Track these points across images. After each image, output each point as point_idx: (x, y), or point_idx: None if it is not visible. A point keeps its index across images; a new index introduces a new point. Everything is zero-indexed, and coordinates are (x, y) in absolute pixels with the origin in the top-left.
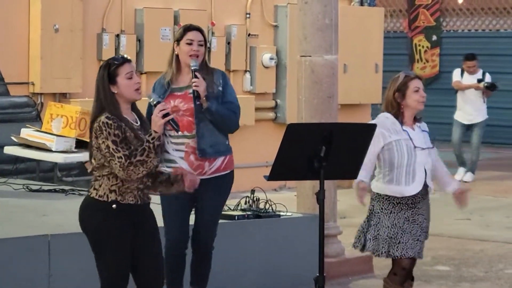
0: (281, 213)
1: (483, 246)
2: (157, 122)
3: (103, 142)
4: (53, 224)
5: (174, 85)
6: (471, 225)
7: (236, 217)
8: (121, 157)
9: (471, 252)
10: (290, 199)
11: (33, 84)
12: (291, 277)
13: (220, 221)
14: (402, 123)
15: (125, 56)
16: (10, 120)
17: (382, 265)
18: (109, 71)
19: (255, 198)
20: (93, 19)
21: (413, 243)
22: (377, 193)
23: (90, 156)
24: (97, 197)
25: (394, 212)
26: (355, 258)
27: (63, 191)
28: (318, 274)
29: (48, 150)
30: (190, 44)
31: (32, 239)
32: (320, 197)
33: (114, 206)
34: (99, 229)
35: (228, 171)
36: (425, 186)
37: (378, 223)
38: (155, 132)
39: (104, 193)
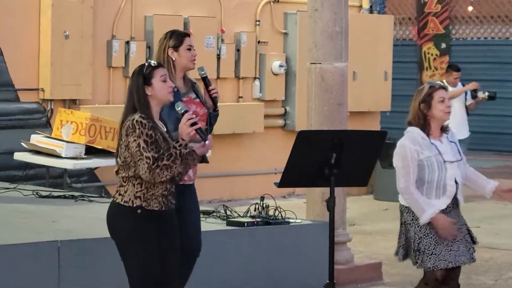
0: (291, 220)
1: (493, 254)
2: (185, 130)
3: (134, 140)
4: (62, 230)
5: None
6: (480, 233)
7: (246, 223)
8: (149, 158)
9: (481, 260)
10: (299, 206)
11: (43, 90)
12: (300, 284)
13: (230, 228)
14: (429, 135)
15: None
16: (20, 126)
17: (392, 272)
18: (144, 73)
19: (264, 205)
20: (103, 25)
21: (446, 254)
22: (405, 206)
23: (116, 156)
24: (122, 203)
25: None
26: (364, 265)
27: (72, 197)
28: (328, 281)
29: (58, 156)
30: (190, 49)
31: (41, 245)
32: (330, 204)
33: (139, 211)
34: (126, 233)
35: None
36: (455, 199)
37: (408, 234)
38: (183, 140)
39: (130, 199)
